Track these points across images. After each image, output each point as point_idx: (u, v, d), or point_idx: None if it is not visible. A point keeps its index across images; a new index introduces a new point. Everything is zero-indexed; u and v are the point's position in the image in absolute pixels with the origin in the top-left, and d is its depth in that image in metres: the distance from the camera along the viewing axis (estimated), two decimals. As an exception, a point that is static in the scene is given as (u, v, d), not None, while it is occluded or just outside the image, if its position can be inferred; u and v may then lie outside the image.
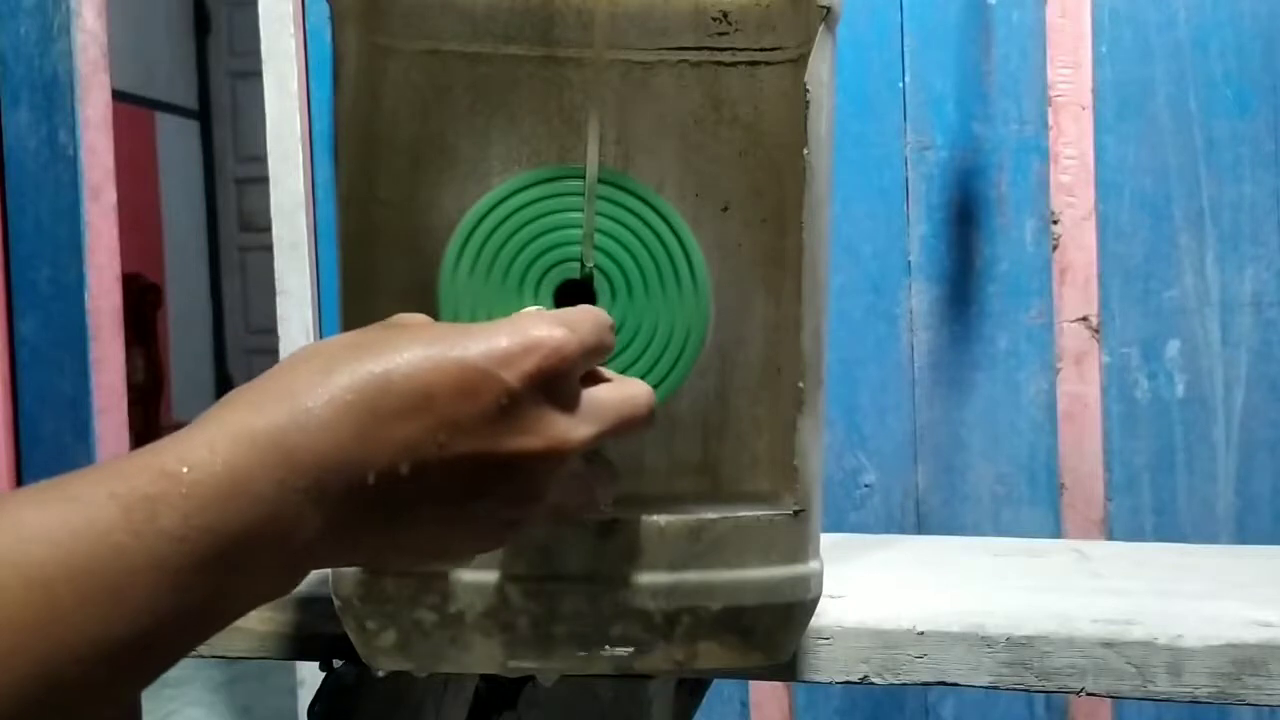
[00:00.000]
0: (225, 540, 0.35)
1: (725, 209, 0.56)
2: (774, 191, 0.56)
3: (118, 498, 0.34)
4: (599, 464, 0.48)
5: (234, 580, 0.36)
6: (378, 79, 0.54)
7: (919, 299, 1.44)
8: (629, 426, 0.46)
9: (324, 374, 0.39)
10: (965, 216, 1.42)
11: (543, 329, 0.42)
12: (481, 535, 0.44)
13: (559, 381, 0.42)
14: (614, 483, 0.49)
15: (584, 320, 0.44)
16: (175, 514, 0.35)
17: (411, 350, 0.40)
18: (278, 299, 1.59)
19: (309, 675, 1.61)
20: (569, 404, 0.43)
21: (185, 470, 0.35)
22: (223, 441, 0.36)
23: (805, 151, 0.55)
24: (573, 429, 0.43)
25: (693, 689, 0.75)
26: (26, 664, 0.31)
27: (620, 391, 0.46)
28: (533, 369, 0.41)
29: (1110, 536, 1.40)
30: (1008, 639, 0.60)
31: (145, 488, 0.35)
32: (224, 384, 5.43)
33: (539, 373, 0.41)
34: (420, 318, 0.45)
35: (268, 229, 1.62)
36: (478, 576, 0.55)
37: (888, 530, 1.45)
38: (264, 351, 4.94)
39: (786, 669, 0.61)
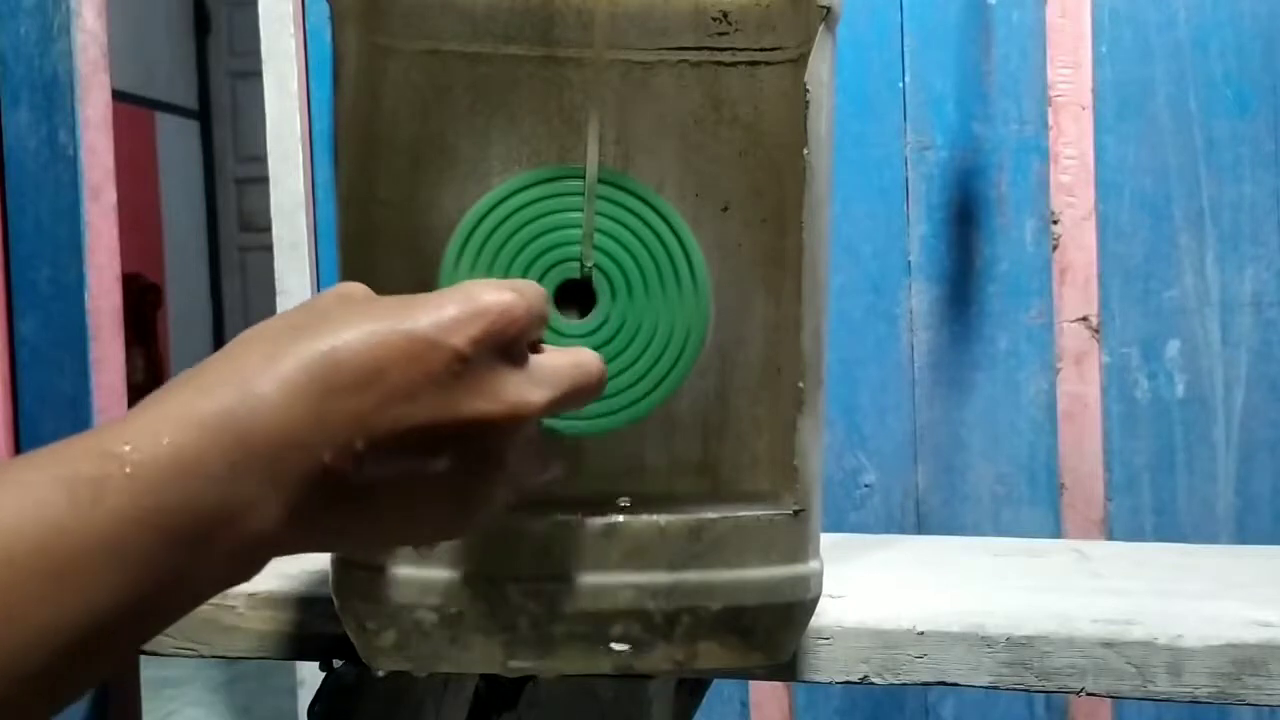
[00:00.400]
0: (177, 520, 0.35)
1: (725, 209, 0.56)
2: (774, 191, 0.56)
3: (61, 480, 0.34)
4: (550, 433, 0.47)
5: (189, 563, 0.35)
6: (378, 79, 0.54)
7: (919, 299, 1.44)
8: (583, 393, 0.46)
9: (271, 356, 0.38)
10: (965, 216, 1.42)
11: (490, 294, 0.42)
12: (445, 513, 0.43)
13: (510, 345, 0.42)
14: (567, 456, 0.49)
15: (528, 286, 0.44)
16: (122, 494, 0.34)
17: (359, 326, 0.39)
18: (278, 299, 1.59)
19: (309, 675, 1.61)
20: (522, 367, 0.43)
21: (129, 450, 0.35)
22: (168, 424, 0.36)
23: (805, 151, 0.55)
24: (529, 391, 0.42)
25: (693, 689, 0.75)
26: None
27: (571, 357, 0.46)
28: (481, 333, 0.41)
29: (1110, 536, 1.40)
30: (1008, 639, 0.60)
31: (88, 470, 0.34)
32: (224, 384, 5.42)
33: (488, 336, 0.41)
34: (361, 288, 0.44)
35: (268, 229, 1.62)
36: (479, 576, 0.55)
37: (888, 530, 1.45)
38: (264, 351, 4.93)
39: (786, 669, 0.61)
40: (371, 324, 0.40)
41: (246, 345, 0.39)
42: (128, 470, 0.34)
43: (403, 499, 0.41)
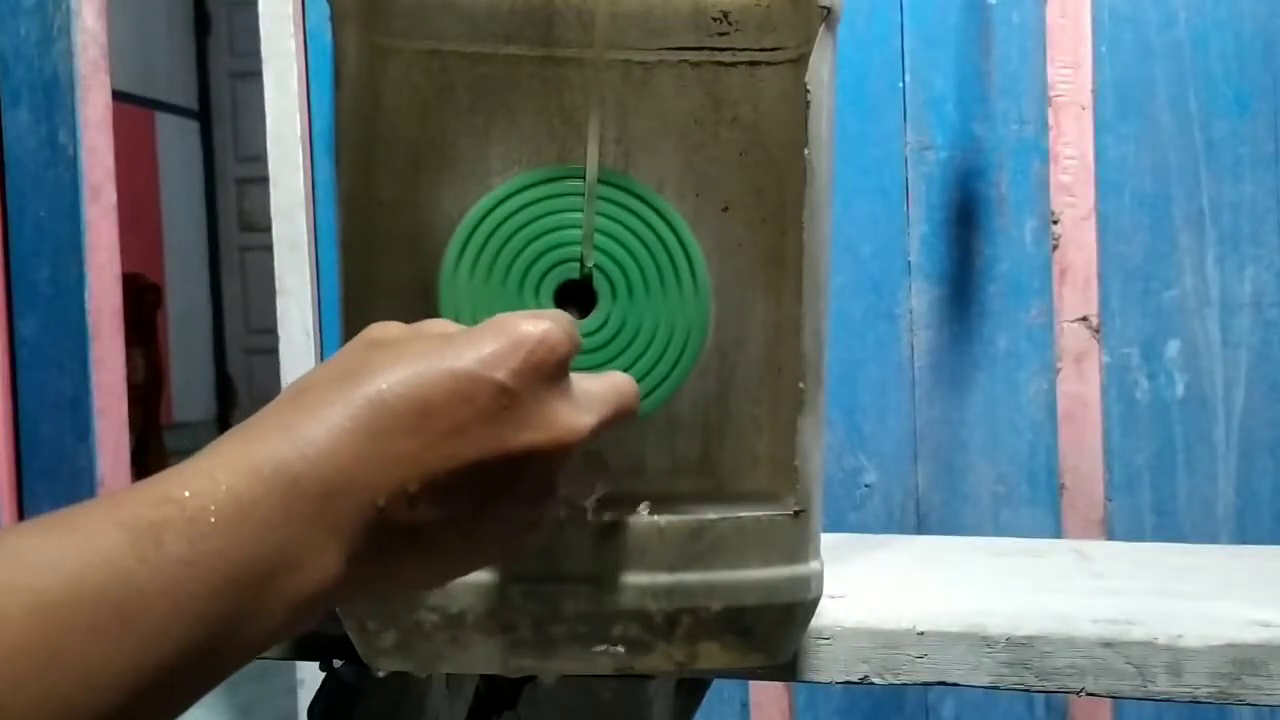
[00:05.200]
0: (236, 566, 0.35)
1: (725, 209, 0.56)
2: (774, 191, 0.56)
3: (122, 525, 0.34)
4: (592, 455, 0.48)
5: (248, 608, 0.35)
6: (378, 79, 0.54)
7: (919, 299, 1.44)
8: (623, 416, 0.46)
9: (318, 406, 0.38)
10: (965, 216, 1.42)
11: (527, 324, 0.42)
12: (502, 544, 0.44)
13: (552, 373, 0.42)
14: (606, 474, 0.49)
15: (559, 314, 0.45)
16: (181, 539, 0.34)
17: (400, 369, 0.40)
18: (278, 299, 1.59)
19: (309, 675, 1.61)
20: (567, 394, 0.43)
21: (188, 495, 0.35)
22: (223, 471, 0.36)
23: (805, 151, 0.55)
24: (577, 417, 0.42)
25: (693, 689, 0.75)
26: (35, 693, 0.31)
27: (607, 381, 0.46)
28: (522, 364, 0.41)
29: (1110, 536, 1.40)
30: (1008, 639, 0.60)
31: (149, 514, 0.34)
32: (224, 384, 5.44)
33: (529, 367, 0.41)
34: (398, 328, 0.44)
35: (268, 229, 1.62)
36: (479, 577, 0.55)
37: (888, 530, 1.45)
38: (264, 351, 4.94)
39: (787, 669, 0.61)
40: (413, 366, 0.40)
41: (294, 396, 0.40)
42: (187, 516, 0.34)
43: (458, 536, 0.41)
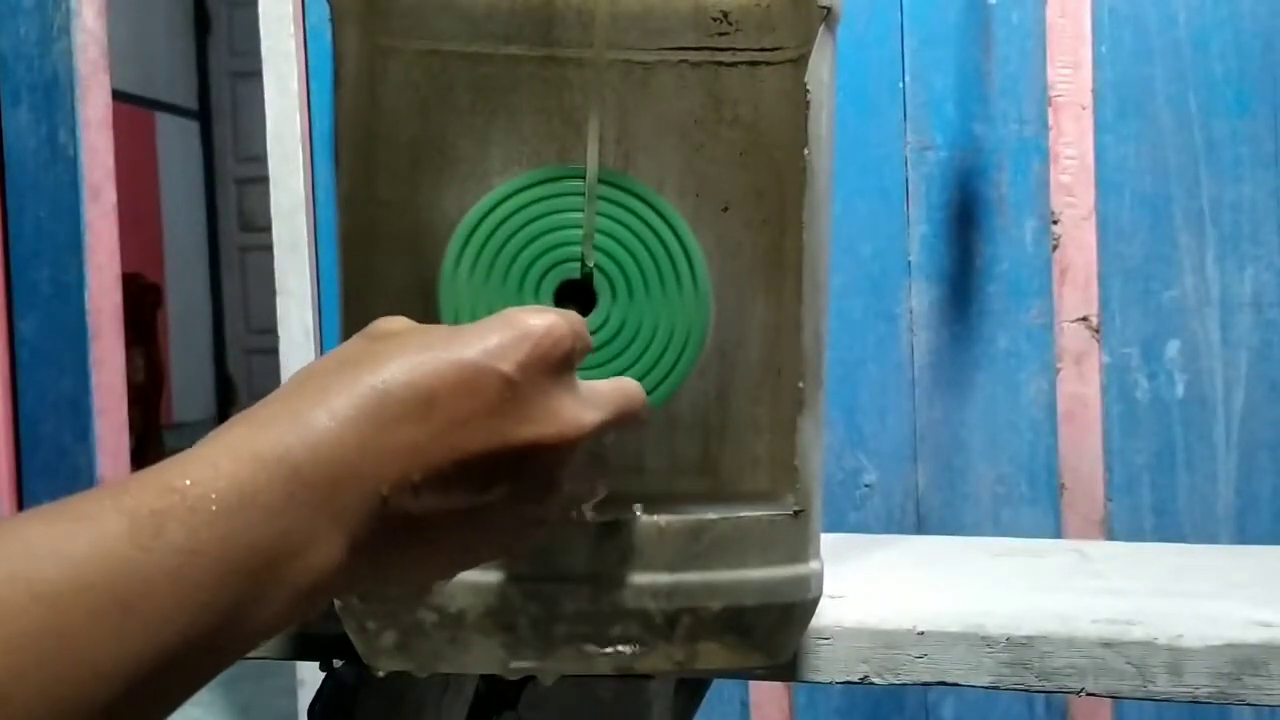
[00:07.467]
0: (238, 553, 0.35)
1: (725, 209, 0.56)
2: (774, 192, 0.56)
3: (124, 513, 0.34)
4: (595, 455, 0.48)
5: (251, 596, 0.35)
6: (378, 79, 0.54)
7: (919, 299, 1.44)
8: (628, 418, 0.46)
9: (322, 394, 0.38)
10: (965, 216, 1.42)
11: (533, 318, 0.42)
12: (505, 539, 0.44)
13: (558, 368, 0.42)
14: (608, 475, 0.49)
15: (569, 313, 0.45)
16: (183, 528, 0.34)
17: (405, 358, 0.40)
18: (278, 299, 1.59)
19: (309, 675, 1.61)
20: (572, 390, 0.43)
21: (189, 483, 0.35)
22: (226, 459, 0.36)
23: (805, 151, 0.55)
24: (581, 413, 0.43)
25: (693, 689, 0.75)
26: (38, 682, 0.31)
27: (616, 384, 0.47)
28: (527, 357, 0.41)
29: (1110, 536, 1.40)
30: (1008, 639, 0.60)
31: (151, 503, 0.34)
32: (224, 384, 5.44)
33: (534, 360, 0.41)
34: (404, 322, 0.44)
35: (268, 229, 1.62)
36: (479, 577, 0.55)
37: (888, 530, 1.45)
38: (264, 351, 4.94)
39: (787, 669, 0.61)
40: (419, 356, 0.40)
41: (299, 384, 0.40)
42: (189, 504, 0.34)
43: (461, 528, 0.41)
